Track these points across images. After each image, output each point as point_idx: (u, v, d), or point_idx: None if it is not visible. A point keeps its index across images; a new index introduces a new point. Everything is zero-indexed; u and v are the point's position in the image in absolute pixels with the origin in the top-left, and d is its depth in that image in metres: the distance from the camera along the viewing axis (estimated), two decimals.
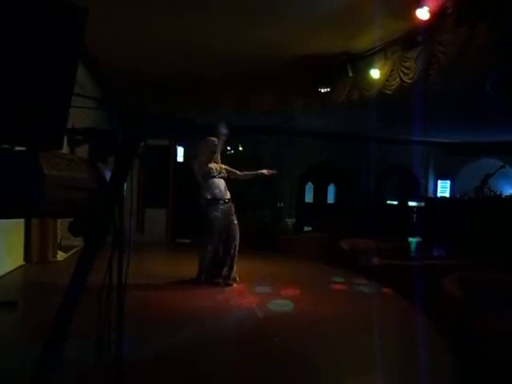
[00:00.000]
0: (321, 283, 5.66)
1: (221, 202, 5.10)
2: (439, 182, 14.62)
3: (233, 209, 5.20)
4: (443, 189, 14.53)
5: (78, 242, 6.09)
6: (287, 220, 12.16)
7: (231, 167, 5.48)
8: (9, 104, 1.36)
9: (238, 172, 5.42)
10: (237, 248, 5.16)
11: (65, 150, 1.67)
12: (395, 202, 12.84)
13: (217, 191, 5.11)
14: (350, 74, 6.93)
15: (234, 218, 5.19)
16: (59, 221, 6.13)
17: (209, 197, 5.11)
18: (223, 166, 5.29)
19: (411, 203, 12.49)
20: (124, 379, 1.81)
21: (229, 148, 12.02)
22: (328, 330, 3.68)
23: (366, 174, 12.81)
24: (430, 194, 14.23)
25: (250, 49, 6.59)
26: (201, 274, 5.11)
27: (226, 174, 5.24)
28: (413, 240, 10.36)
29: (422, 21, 5.13)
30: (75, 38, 1.45)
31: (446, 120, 9.70)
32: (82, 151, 2.46)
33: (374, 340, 3.30)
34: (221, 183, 5.17)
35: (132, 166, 1.64)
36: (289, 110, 8.37)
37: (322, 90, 7.34)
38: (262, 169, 5.57)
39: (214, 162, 5.21)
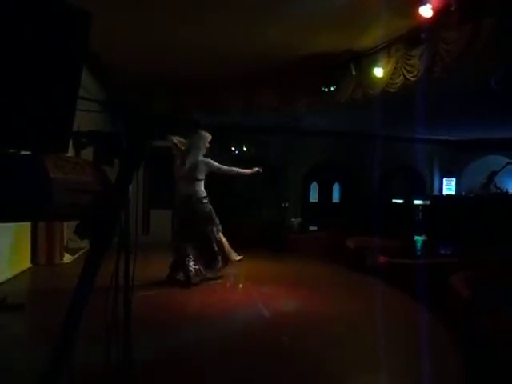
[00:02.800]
0: (327, 282, 5.66)
1: None
2: (444, 179, 14.54)
3: None
4: (449, 187, 14.45)
5: (85, 244, 6.12)
6: (293, 220, 12.14)
7: (237, 167, 5.55)
8: (14, 108, 1.36)
9: (223, 167, 5.44)
10: None
11: (70, 153, 1.67)
12: (400, 201, 12.78)
13: None
14: (354, 73, 6.91)
15: None
16: (66, 223, 6.17)
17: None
18: None
19: (416, 201, 12.42)
20: (133, 380, 1.82)
21: (233, 148, 12.02)
22: (334, 329, 3.68)
23: (371, 172, 12.77)
24: (436, 192, 14.15)
25: (253, 49, 6.58)
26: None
27: None
28: (419, 238, 10.31)
29: (425, 18, 5.10)
30: (80, 41, 1.45)
31: (450, 117, 9.65)
32: (87, 154, 2.47)
33: (381, 339, 3.29)
34: None
35: (138, 168, 1.65)
36: (293, 109, 8.36)
37: (326, 90, 7.33)
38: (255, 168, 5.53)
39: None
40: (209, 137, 5.28)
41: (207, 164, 5.23)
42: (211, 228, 5.16)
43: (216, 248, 5.15)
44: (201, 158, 5.20)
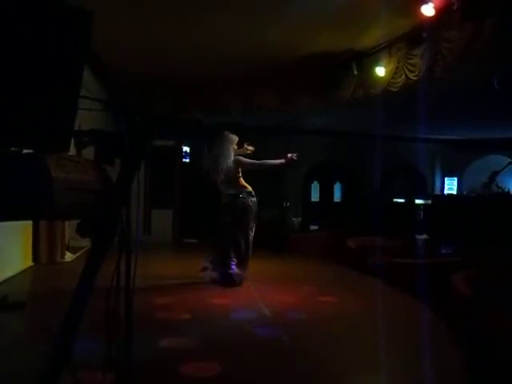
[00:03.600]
0: (328, 282, 5.65)
1: None
2: (446, 179, 14.53)
3: None
4: (450, 186, 14.44)
5: (86, 242, 6.13)
6: (294, 219, 12.12)
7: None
8: (16, 107, 1.37)
9: (254, 161, 5.20)
10: None
11: (71, 151, 1.68)
12: (402, 200, 12.77)
13: None
14: (355, 72, 6.90)
15: None
16: (67, 222, 6.17)
17: (250, 189, 5.14)
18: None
19: (418, 201, 12.42)
20: (133, 380, 1.82)
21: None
22: (335, 329, 3.68)
23: (372, 172, 12.75)
24: (437, 192, 14.14)
25: (253, 49, 6.58)
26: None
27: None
28: (420, 238, 10.31)
29: (427, 17, 5.10)
30: (81, 41, 1.46)
31: (452, 117, 9.64)
32: (89, 153, 2.47)
33: (381, 339, 3.29)
34: None
35: (139, 168, 1.65)
36: (293, 109, 8.36)
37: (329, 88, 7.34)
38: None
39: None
40: (235, 139, 5.15)
41: (237, 161, 5.04)
42: (252, 225, 5.13)
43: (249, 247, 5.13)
44: (231, 159, 5.04)
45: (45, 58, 1.38)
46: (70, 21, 1.41)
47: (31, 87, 1.39)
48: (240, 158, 5.13)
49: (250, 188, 5.16)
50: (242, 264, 5.14)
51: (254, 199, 5.14)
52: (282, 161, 5.12)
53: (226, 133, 5.18)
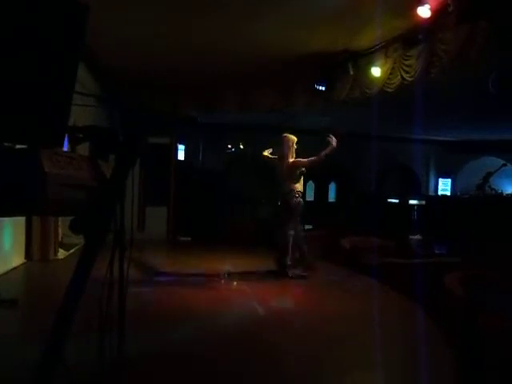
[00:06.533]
0: (322, 281, 5.66)
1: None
2: (440, 180, 14.62)
3: None
4: (444, 187, 14.53)
5: (79, 239, 6.09)
6: None
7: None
8: (10, 102, 1.36)
9: (312, 158, 5.52)
10: None
11: (65, 147, 1.67)
12: (396, 201, 12.82)
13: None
14: (351, 72, 6.92)
15: None
16: (60, 218, 6.14)
17: (301, 190, 5.53)
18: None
19: (412, 201, 12.48)
20: (125, 377, 1.82)
21: (229, 146, 12.02)
22: (329, 329, 3.68)
23: (367, 172, 12.80)
24: (431, 193, 14.22)
25: (251, 47, 6.58)
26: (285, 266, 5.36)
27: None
28: (413, 238, 10.36)
29: (423, 19, 5.12)
30: (76, 35, 1.44)
31: (447, 118, 9.70)
32: (83, 149, 2.46)
33: (376, 339, 3.30)
34: None
35: (134, 164, 1.64)
36: (291, 108, 8.37)
37: (319, 88, 7.40)
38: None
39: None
40: (293, 139, 5.56)
41: (295, 164, 5.47)
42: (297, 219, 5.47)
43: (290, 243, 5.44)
44: (290, 160, 5.47)
45: (40, 52, 1.37)
46: (65, 14, 1.39)
47: (25, 82, 1.37)
48: (298, 160, 5.51)
49: (299, 188, 5.53)
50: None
51: (299, 199, 5.49)
52: (333, 145, 5.53)
53: (286, 134, 5.59)
